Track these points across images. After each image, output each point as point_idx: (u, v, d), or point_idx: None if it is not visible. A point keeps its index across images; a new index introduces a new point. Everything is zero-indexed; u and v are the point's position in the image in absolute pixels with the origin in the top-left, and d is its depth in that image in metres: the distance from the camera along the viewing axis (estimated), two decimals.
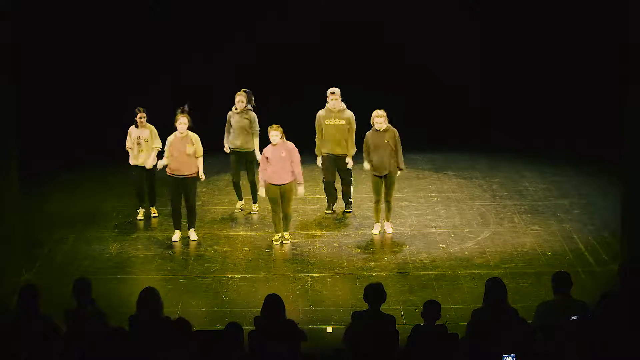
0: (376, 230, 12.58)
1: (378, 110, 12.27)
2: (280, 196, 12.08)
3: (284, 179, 12.02)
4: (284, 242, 12.26)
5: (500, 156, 16.16)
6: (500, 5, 17.02)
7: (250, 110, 13.16)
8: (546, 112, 17.11)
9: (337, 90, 12.94)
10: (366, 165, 12.52)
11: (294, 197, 12.24)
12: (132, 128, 13.00)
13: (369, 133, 12.36)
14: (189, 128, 12.16)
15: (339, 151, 12.98)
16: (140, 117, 12.90)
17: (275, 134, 11.91)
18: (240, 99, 13.12)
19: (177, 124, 12.10)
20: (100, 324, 7.88)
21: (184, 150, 12.07)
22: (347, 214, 13.31)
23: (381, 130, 12.23)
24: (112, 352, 7.51)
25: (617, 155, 11.72)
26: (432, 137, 16.46)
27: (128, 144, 13.04)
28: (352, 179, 13.28)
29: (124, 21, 16.85)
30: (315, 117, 13.12)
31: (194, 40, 17.08)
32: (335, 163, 13.07)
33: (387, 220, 12.59)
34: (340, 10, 16.97)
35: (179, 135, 12.12)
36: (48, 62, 16.70)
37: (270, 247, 12.24)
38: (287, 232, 12.33)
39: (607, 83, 15.46)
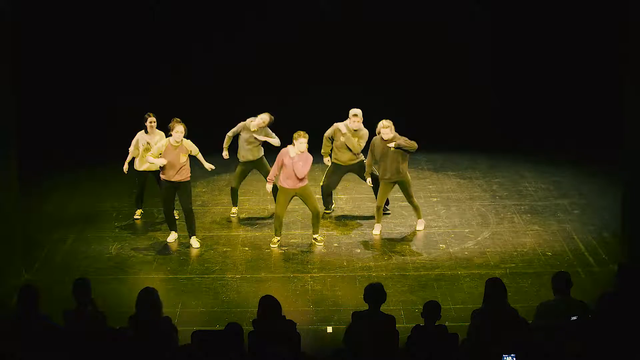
0: (376, 231, 12.58)
1: (384, 121, 12.24)
2: (301, 198, 12.09)
3: (298, 184, 11.98)
4: (317, 244, 12.25)
5: (500, 156, 16.17)
6: (500, 6, 17.04)
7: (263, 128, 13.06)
8: (546, 112, 17.13)
9: (359, 112, 12.82)
10: (369, 182, 12.66)
11: (313, 194, 12.22)
12: (141, 133, 12.84)
13: (376, 139, 12.36)
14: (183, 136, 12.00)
15: (349, 162, 12.99)
16: (151, 122, 12.75)
17: (303, 141, 11.77)
18: (264, 117, 12.92)
19: (174, 132, 11.87)
20: (100, 324, 7.88)
21: (177, 159, 11.94)
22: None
23: (388, 139, 12.22)
24: (111, 352, 7.51)
25: (617, 155, 11.72)
26: (432, 137, 16.45)
27: (132, 148, 12.85)
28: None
29: (124, 21, 16.85)
30: (327, 124, 13.08)
31: (194, 41, 17.08)
32: (343, 172, 13.12)
33: (419, 218, 12.76)
34: (340, 10, 16.97)
35: (174, 144, 11.91)
36: (48, 62, 16.71)
37: (270, 247, 12.23)
38: (317, 234, 12.29)
39: (607, 83, 15.47)
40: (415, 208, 12.71)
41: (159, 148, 11.95)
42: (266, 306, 7.88)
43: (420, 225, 12.75)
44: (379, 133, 12.33)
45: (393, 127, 12.24)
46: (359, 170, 13.09)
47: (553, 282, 8.19)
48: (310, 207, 12.14)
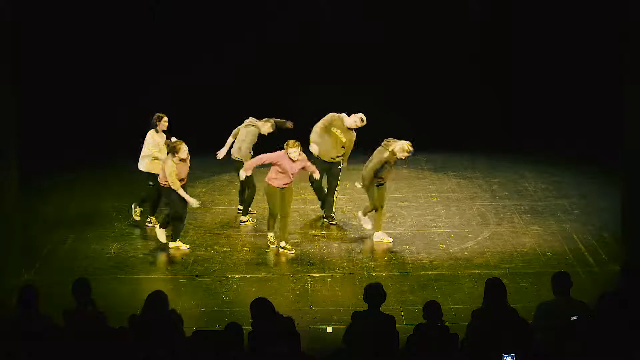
0: (377, 237, 12.42)
1: (410, 147, 11.99)
2: (281, 198, 12.03)
3: (288, 183, 11.95)
4: (289, 252, 12.03)
5: (500, 156, 16.17)
6: (498, 6, 17.04)
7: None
8: (546, 112, 17.12)
9: (365, 120, 12.69)
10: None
11: (292, 197, 12.20)
12: (152, 133, 12.57)
13: (392, 159, 12.06)
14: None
15: (330, 159, 12.84)
16: (165, 123, 12.53)
17: (293, 151, 11.71)
18: (269, 128, 12.90)
19: (181, 153, 11.64)
20: (100, 324, 7.87)
21: (187, 168, 11.93)
22: (331, 224, 13.01)
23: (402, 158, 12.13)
24: (111, 352, 7.51)
25: (617, 155, 11.72)
26: (432, 137, 16.45)
27: (152, 149, 12.48)
28: (338, 184, 13.07)
29: (124, 21, 16.84)
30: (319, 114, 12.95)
31: (195, 41, 17.07)
32: (325, 167, 12.87)
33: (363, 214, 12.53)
34: (340, 10, 16.97)
35: (181, 163, 11.75)
36: (48, 62, 16.68)
37: (270, 247, 12.23)
38: (283, 240, 12.09)
39: (607, 83, 15.44)
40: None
41: (173, 175, 11.67)
42: (257, 309, 7.84)
43: (365, 222, 12.47)
44: (395, 154, 12.00)
45: None
46: (333, 169, 12.92)
47: (553, 282, 8.18)
48: (286, 209, 12.02)
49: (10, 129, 11.01)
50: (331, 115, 12.85)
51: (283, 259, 11.97)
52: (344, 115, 12.82)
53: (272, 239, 12.19)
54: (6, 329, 7.70)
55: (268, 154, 11.92)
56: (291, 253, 12.02)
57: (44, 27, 16.45)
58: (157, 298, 7.84)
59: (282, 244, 12.10)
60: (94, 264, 11.76)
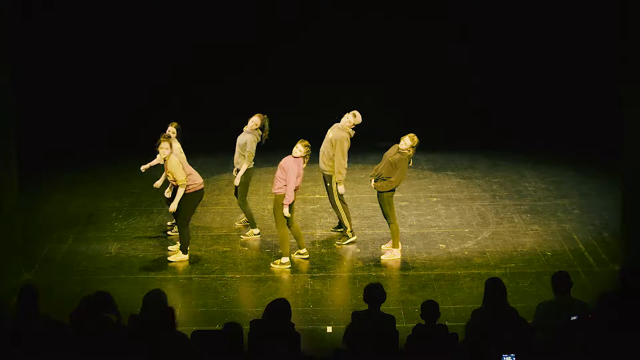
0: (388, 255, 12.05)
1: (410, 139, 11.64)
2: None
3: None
4: (302, 257, 11.78)
5: (500, 156, 16.17)
6: (499, 6, 17.05)
7: (254, 131, 12.29)
8: (546, 112, 17.13)
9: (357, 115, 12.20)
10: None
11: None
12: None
13: (407, 158, 11.68)
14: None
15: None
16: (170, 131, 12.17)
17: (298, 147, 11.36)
18: (254, 120, 12.28)
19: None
20: (104, 323, 7.86)
21: None
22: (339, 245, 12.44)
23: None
24: (111, 350, 7.52)
25: (617, 155, 11.73)
26: (432, 137, 16.42)
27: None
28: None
29: (124, 21, 16.84)
30: (339, 138, 12.08)
31: (195, 40, 17.07)
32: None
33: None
34: (339, 10, 16.98)
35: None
36: (48, 62, 16.70)
37: (270, 247, 12.23)
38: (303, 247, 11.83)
39: (607, 83, 15.47)
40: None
41: (181, 168, 11.49)
42: (278, 309, 7.79)
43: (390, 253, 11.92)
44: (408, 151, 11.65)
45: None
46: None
47: (553, 282, 8.19)
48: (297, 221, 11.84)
49: (10, 129, 11.00)
50: (344, 135, 12.05)
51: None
52: (345, 125, 12.14)
53: (303, 252, 11.83)
54: (6, 329, 7.71)
55: (290, 175, 11.28)
56: (305, 257, 11.85)
57: (45, 26, 16.46)
58: (156, 297, 7.84)
59: (303, 251, 11.86)
60: (94, 264, 11.76)
